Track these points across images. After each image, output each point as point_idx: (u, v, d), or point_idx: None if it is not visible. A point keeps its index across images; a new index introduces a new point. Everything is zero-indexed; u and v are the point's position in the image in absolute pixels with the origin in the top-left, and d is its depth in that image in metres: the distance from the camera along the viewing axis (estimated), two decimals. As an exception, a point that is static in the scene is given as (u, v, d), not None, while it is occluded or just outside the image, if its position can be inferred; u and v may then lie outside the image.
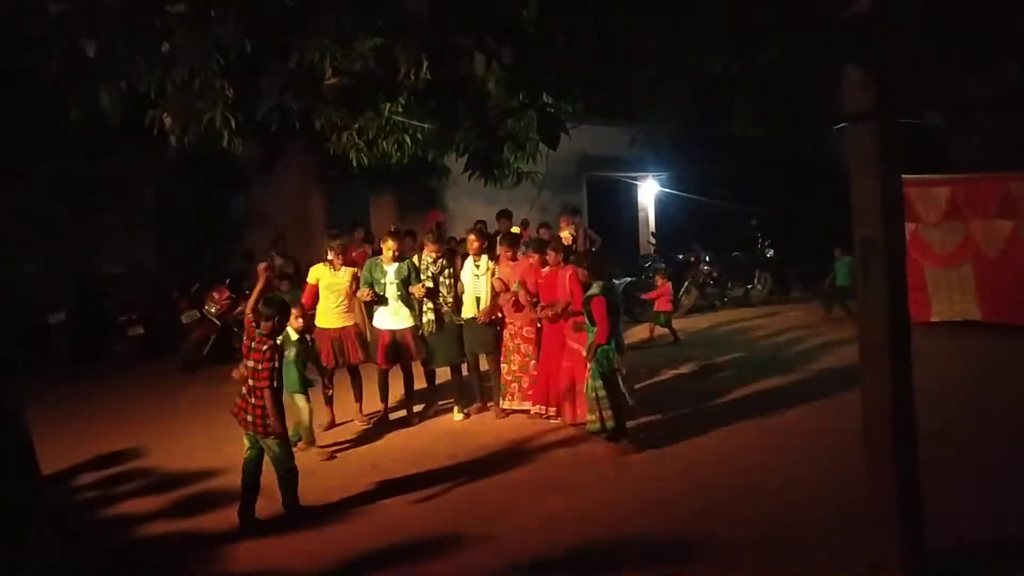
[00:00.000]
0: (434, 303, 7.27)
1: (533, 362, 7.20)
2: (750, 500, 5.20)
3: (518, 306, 7.18)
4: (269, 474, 5.22)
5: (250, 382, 5.05)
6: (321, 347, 7.03)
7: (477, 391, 7.65)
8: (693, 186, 15.75)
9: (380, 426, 7.29)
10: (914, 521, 3.85)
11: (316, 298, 7.20)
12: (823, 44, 3.67)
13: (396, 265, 7.22)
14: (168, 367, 10.35)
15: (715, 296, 14.05)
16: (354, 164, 7.51)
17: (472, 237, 7.66)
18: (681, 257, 13.96)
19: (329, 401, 7.24)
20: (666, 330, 10.77)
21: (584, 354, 6.22)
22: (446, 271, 7.36)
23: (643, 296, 11.54)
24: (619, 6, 3.40)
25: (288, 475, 5.19)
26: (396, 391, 7.48)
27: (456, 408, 7.47)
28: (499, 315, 7.39)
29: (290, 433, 5.51)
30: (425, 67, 4.41)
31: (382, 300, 7.22)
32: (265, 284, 5.66)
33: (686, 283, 13.24)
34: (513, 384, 7.34)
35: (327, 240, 7.48)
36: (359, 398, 7.43)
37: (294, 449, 5.51)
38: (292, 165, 13.83)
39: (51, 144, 10.47)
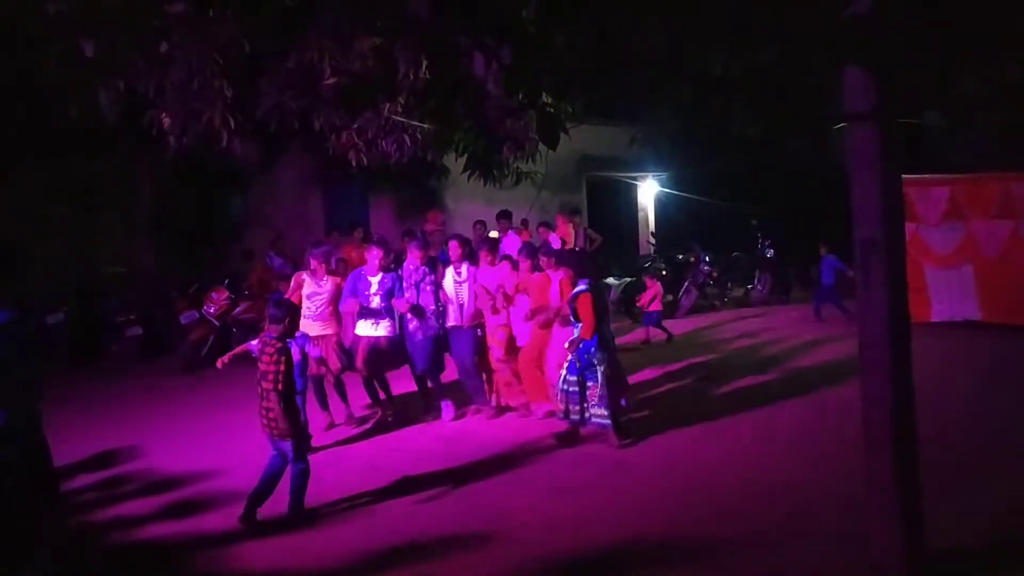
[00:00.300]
0: (417, 316, 7.20)
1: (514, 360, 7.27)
2: (750, 500, 5.20)
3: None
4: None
5: (261, 385, 5.06)
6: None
7: (474, 392, 7.62)
8: (693, 186, 15.76)
9: (378, 427, 7.28)
10: (914, 521, 3.85)
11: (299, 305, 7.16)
12: (823, 44, 3.67)
13: (380, 276, 7.19)
14: (167, 367, 10.36)
15: (715, 296, 14.04)
16: (353, 164, 7.51)
17: (454, 244, 7.51)
18: (681, 257, 13.92)
19: (325, 404, 7.24)
20: (660, 331, 10.76)
21: (566, 346, 6.45)
22: (426, 278, 7.28)
23: (636, 302, 11.49)
24: (619, 6, 3.39)
25: (299, 479, 5.16)
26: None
27: (429, 416, 7.43)
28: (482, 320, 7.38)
29: None
30: (425, 67, 4.41)
31: (365, 311, 7.15)
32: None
33: (686, 283, 13.21)
34: (503, 383, 7.44)
35: (309, 248, 7.41)
36: (345, 402, 7.41)
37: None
38: (291, 165, 13.81)
39: (50, 144, 10.47)
